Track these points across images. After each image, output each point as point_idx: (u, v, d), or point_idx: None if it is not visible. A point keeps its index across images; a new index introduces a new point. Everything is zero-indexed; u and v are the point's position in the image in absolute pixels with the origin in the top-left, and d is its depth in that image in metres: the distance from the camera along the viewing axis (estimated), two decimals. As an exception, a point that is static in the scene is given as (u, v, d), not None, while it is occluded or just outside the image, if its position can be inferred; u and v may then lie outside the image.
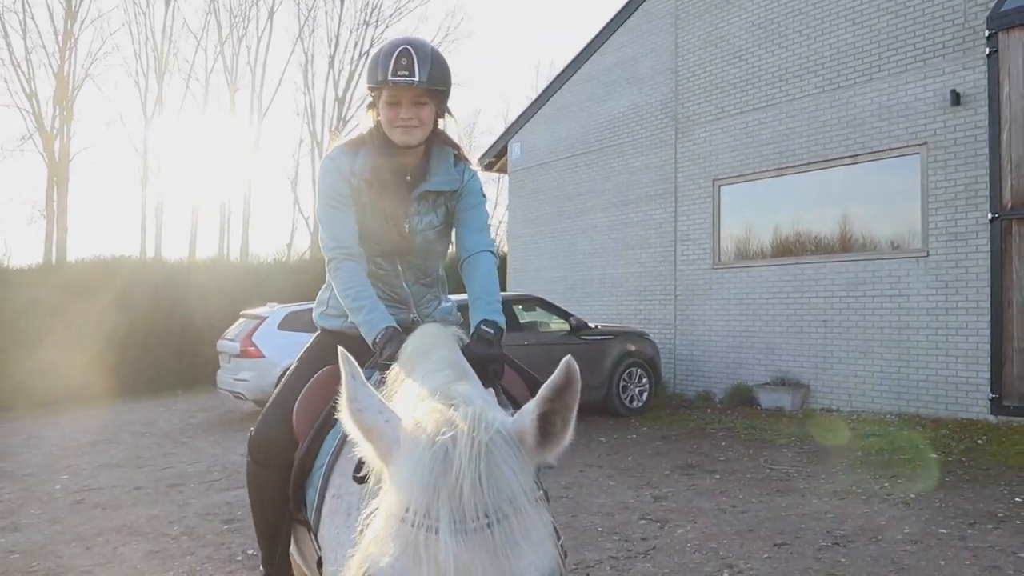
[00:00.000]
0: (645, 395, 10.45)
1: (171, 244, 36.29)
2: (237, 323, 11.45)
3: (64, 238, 27.64)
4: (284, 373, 2.64)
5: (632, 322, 12.25)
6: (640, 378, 10.42)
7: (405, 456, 1.18)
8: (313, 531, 2.08)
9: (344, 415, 1.28)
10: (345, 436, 1.99)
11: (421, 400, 1.37)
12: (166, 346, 14.80)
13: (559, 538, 1.18)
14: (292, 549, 2.48)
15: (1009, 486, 6.05)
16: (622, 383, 10.21)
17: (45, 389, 12.83)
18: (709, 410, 10.51)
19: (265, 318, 10.73)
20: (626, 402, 10.23)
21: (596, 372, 9.80)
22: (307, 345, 2.59)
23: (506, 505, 1.10)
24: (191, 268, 17.01)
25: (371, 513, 1.23)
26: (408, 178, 2.36)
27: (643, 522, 5.53)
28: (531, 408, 1.21)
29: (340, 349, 1.36)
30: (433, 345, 1.88)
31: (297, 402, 2.28)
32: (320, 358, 2.41)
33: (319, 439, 2.14)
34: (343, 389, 1.28)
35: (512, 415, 1.25)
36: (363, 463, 1.48)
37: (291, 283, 16.26)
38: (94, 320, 13.51)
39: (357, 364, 1.31)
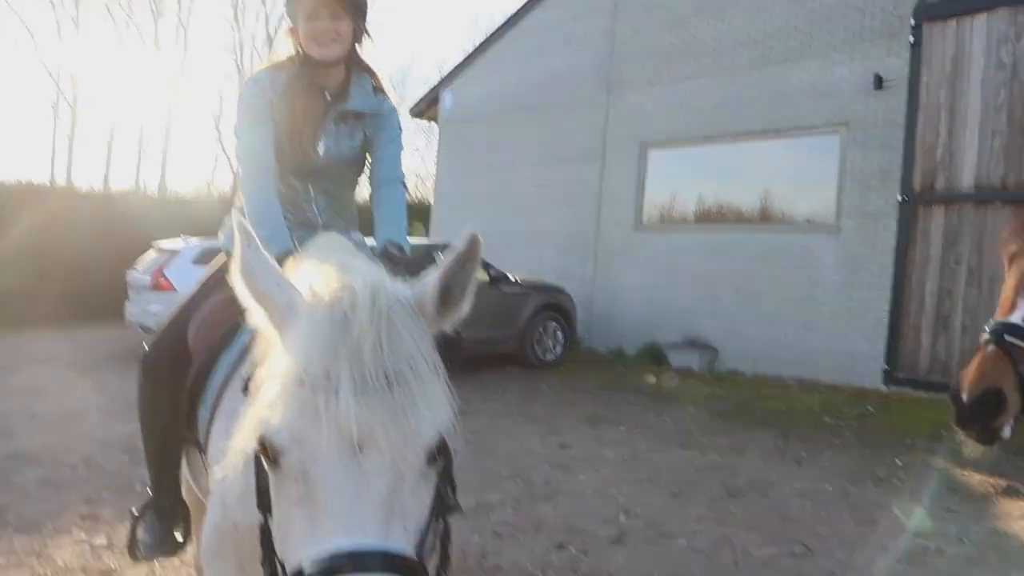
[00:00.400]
0: (559, 348, 10.62)
1: (84, 173, 34.59)
2: (148, 255, 11.10)
3: (-34, 159, 26.19)
4: None
5: (552, 278, 12.34)
6: (555, 332, 10.58)
7: (302, 320, 1.17)
8: (203, 451, 2.05)
9: (236, 279, 1.26)
10: (242, 354, 1.96)
11: (317, 270, 1.34)
12: (73, 277, 14.15)
13: (456, 402, 1.21)
14: (184, 472, 2.45)
15: (892, 450, 6.40)
16: (537, 336, 10.35)
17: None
18: (621, 366, 10.74)
19: (178, 252, 10.42)
20: (540, 354, 10.39)
21: (512, 323, 9.92)
22: (211, 268, 2.54)
23: (406, 368, 1.12)
24: (103, 198, 16.33)
25: (263, 381, 1.21)
26: (328, 97, 2.34)
27: (547, 467, 5.66)
28: (432, 278, 1.23)
29: (236, 217, 1.32)
30: (335, 244, 1.88)
31: (194, 319, 2.25)
32: (223, 281, 2.36)
33: (214, 356, 2.09)
34: (236, 255, 1.25)
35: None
36: (252, 377, 1.42)
37: (210, 220, 15.73)
38: (-4, 247, 12.87)
39: (255, 236, 1.27)
